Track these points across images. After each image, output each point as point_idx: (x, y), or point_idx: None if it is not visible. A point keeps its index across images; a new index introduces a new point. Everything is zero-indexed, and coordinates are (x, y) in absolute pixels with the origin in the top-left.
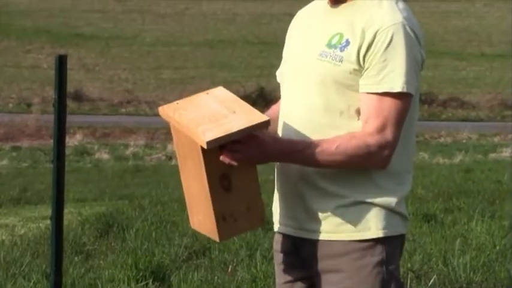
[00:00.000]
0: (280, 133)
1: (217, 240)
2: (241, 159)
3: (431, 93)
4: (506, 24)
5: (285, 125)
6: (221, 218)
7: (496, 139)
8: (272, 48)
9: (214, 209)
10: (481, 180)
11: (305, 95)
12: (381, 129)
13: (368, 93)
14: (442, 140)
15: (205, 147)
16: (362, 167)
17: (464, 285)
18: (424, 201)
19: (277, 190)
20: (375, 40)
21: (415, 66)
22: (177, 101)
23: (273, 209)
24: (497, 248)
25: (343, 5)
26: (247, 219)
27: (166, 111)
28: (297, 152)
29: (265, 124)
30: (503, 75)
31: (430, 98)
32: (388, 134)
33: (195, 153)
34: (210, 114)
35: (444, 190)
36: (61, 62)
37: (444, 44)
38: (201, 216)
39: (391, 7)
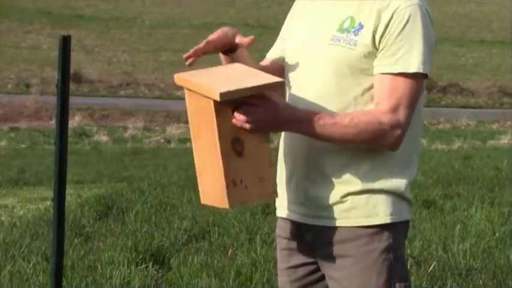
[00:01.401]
0: None
1: (227, 205)
2: (253, 121)
3: (430, 79)
4: (506, 10)
5: None
6: (231, 183)
7: (495, 126)
8: (272, 31)
9: (224, 172)
10: (480, 167)
11: (317, 81)
12: (394, 109)
13: (382, 73)
14: (441, 126)
15: (218, 99)
16: (372, 146)
17: (464, 272)
18: (423, 187)
19: (282, 175)
20: (392, 20)
21: (430, 47)
22: (194, 71)
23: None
24: (497, 234)
25: None
26: (259, 190)
27: (182, 75)
28: (310, 121)
29: (279, 84)
30: (503, 62)
31: (429, 84)
32: (401, 115)
33: (208, 117)
34: (225, 77)
35: (443, 176)
36: (65, 43)
37: (444, 30)
38: (212, 185)
39: None
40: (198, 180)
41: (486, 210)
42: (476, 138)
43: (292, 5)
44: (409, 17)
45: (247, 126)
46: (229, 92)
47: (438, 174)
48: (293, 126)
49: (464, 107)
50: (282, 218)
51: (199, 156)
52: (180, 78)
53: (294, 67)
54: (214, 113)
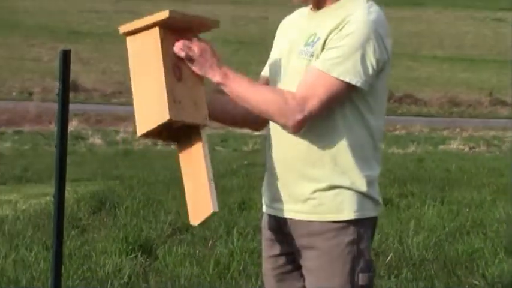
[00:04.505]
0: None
1: (168, 117)
2: (194, 56)
3: (389, 90)
4: (454, 30)
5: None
6: (172, 100)
7: (445, 132)
8: (247, 46)
9: (167, 90)
10: (432, 168)
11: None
12: (305, 98)
13: (313, 66)
14: (397, 132)
15: (167, 15)
16: (272, 119)
17: (417, 262)
18: (381, 186)
19: (266, 173)
20: (341, 31)
21: (368, 61)
22: None
23: (262, 190)
24: (447, 229)
25: (323, 9)
26: (194, 112)
27: (124, 25)
28: (232, 78)
29: (214, 22)
30: (452, 76)
31: (387, 94)
32: (309, 104)
33: (152, 48)
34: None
35: (399, 177)
36: (65, 56)
37: (400, 47)
38: (152, 106)
39: (364, 7)
40: (136, 112)
41: (437, 207)
42: (429, 143)
43: (264, 23)
44: (354, 29)
45: (190, 58)
46: (176, 11)
47: (394, 174)
48: (222, 76)
49: (418, 115)
50: (266, 213)
51: (141, 89)
52: (124, 27)
53: (272, 77)
54: (159, 40)
